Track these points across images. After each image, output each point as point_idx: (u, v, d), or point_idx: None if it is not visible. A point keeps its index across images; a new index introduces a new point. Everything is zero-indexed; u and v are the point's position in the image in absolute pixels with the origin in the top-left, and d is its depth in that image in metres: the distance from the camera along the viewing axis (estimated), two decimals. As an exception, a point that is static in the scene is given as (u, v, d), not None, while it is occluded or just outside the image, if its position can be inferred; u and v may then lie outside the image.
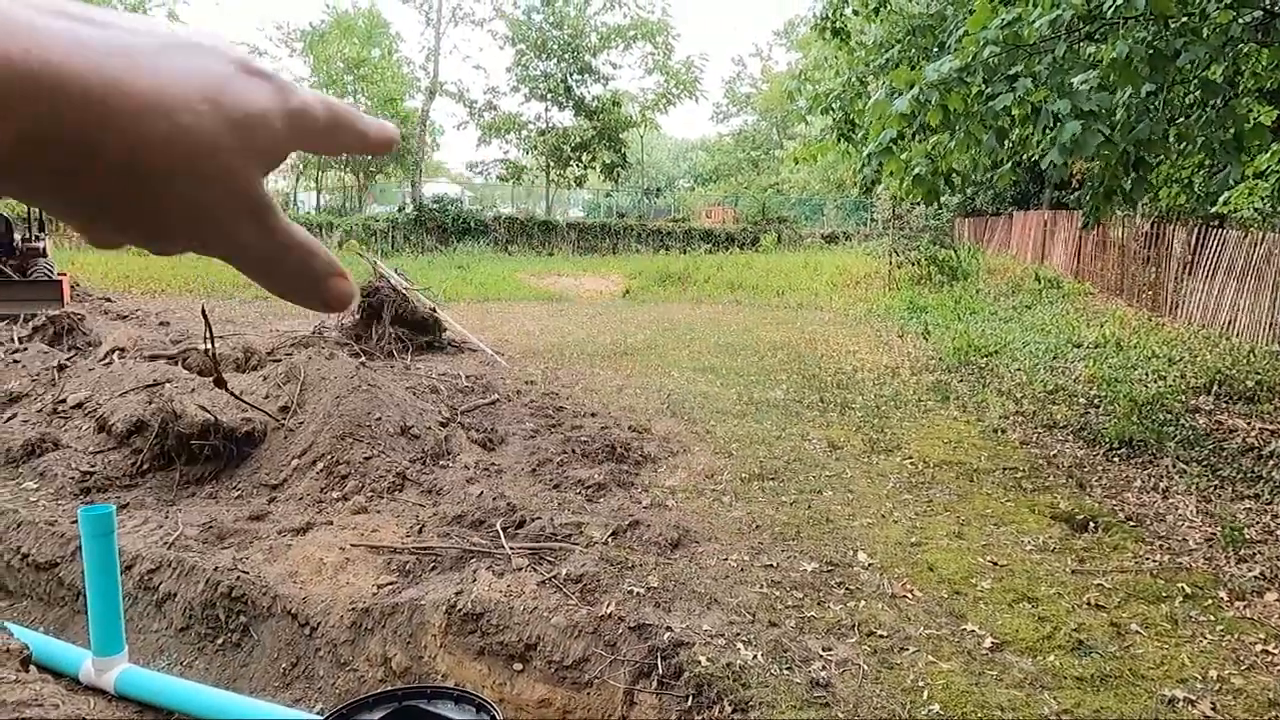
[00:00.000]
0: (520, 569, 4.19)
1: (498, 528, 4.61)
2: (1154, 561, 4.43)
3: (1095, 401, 8.13)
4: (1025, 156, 6.52)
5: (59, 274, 15.24)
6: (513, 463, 6.01)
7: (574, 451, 6.13)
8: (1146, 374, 8.96)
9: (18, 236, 15.27)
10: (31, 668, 3.28)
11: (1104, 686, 3.20)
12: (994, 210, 26.94)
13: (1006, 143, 4.94)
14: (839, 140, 8.46)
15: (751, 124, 59.83)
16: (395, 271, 11.26)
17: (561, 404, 8.04)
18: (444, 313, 11.03)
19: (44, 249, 15.36)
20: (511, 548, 4.40)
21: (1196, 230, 11.85)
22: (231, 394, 5.60)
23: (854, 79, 7.52)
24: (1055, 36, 4.40)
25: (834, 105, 7.70)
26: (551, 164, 34.27)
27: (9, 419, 6.57)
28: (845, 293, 19.34)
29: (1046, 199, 24.50)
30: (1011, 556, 4.46)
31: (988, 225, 26.44)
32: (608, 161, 33.98)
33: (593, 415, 7.64)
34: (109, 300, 16.85)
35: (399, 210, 30.22)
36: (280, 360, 6.95)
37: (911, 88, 4.52)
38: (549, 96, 33.22)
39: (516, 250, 30.34)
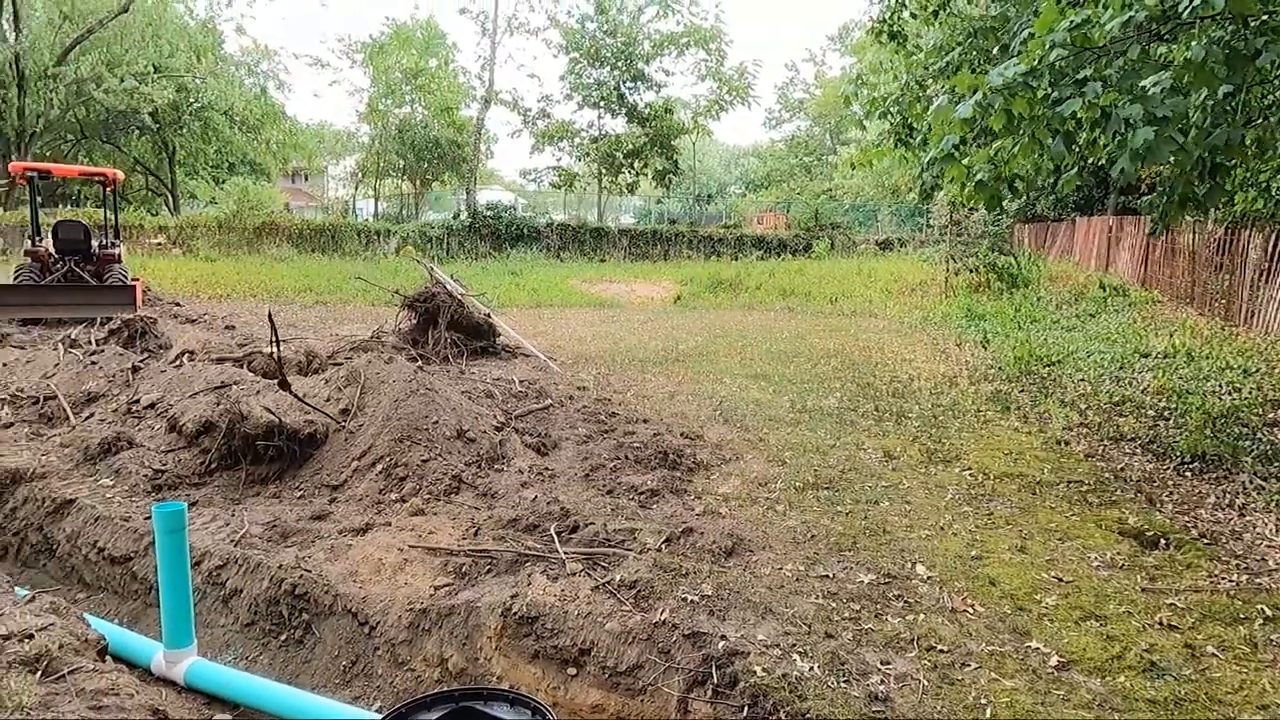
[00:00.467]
0: (574, 574, 4.21)
1: (552, 532, 4.64)
2: (1230, 581, 4.25)
3: (1165, 413, 7.85)
4: (1091, 161, 6.33)
5: (132, 279, 15.85)
6: (566, 468, 6.05)
7: (626, 457, 6.14)
8: (1220, 386, 8.61)
9: (95, 244, 15.92)
10: (108, 658, 3.41)
11: (1178, 710, 3.08)
12: (1056, 216, 26.25)
13: (1075, 147, 4.80)
14: (896, 145, 8.34)
15: (804, 129, 59.41)
16: (451, 277, 11.44)
17: (614, 410, 8.07)
18: (498, 318, 11.16)
19: (119, 255, 15.99)
20: (565, 552, 4.42)
21: (1275, 236, 11.36)
22: (295, 396, 5.75)
23: (912, 83, 7.41)
24: (1127, 38, 4.26)
25: (891, 110, 7.59)
26: (604, 171, 34.49)
27: (87, 418, 6.86)
28: (900, 300, 19.03)
29: (1112, 204, 23.77)
30: (1077, 573, 4.33)
31: (1049, 231, 25.77)
32: (660, 168, 34.08)
33: (645, 421, 7.65)
34: (178, 305, 17.45)
35: (454, 217, 30.76)
36: (341, 364, 7.11)
37: (974, 93, 4.43)
38: (602, 104, 33.49)
39: (568, 256, 30.62)
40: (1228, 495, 5.65)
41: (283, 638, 4.18)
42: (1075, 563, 4.47)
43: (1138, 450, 6.87)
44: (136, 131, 36.80)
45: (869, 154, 7.89)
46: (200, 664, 3.80)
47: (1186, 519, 5.24)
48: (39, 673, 2.93)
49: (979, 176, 4.95)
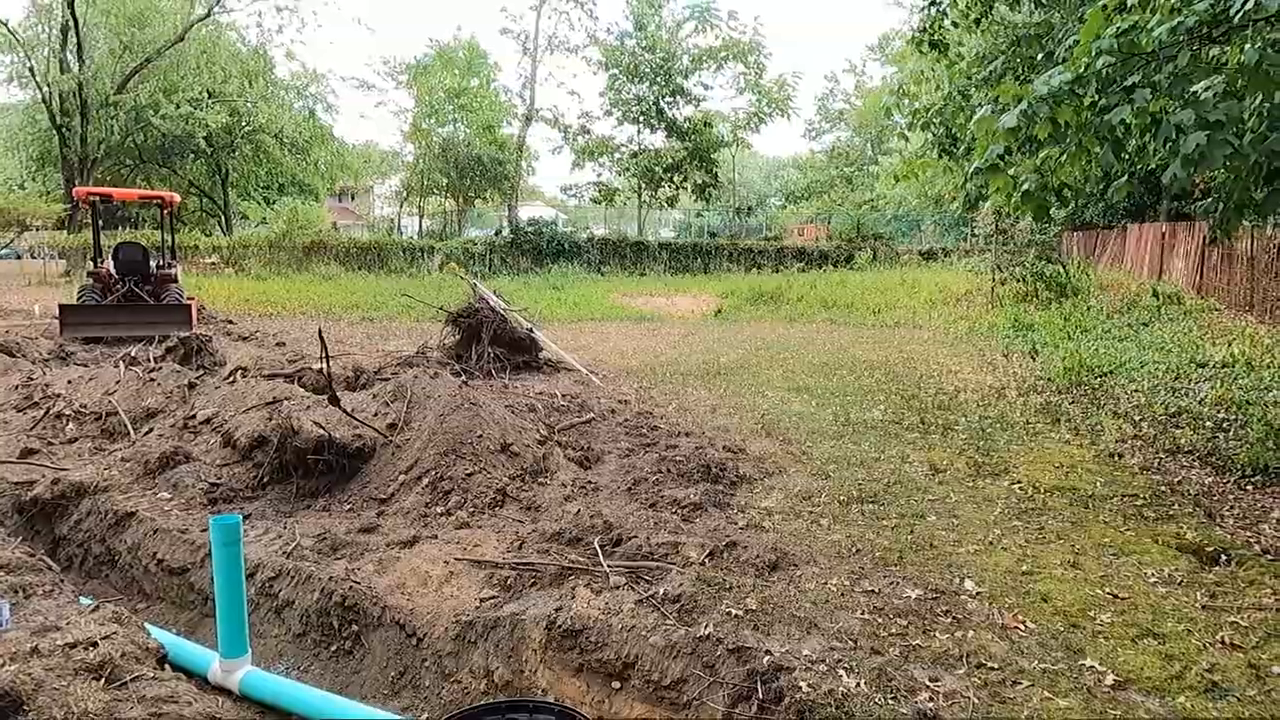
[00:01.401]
0: (618, 587, 4.22)
1: (595, 545, 4.67)
2: (1296, 599, 4.10)
3: (1224, 425, 7.61)
4: (1140, 167, 6.20)
5: (188, 298, 16.37)
6: (609, 481, 6.07)
7: (669, 471, 6.15)
8: (1282, 396, 8.32)
9: (153, 264, 16.47)
10: (167, 666, 3.51)
11: (1242, 733, 2.98)
12: (1106, 223, 25.63)
13: (1124, 154, 4.71)
14: (940, 156, 8.27)
15: (845, 140, 59.06)
16: (494, 293, 11.60)
17: (656, 423, 8.09)
18: (540, 333, 11.27)
19: (175, 275, 16.51)
20: (609, 565, 4.44)
21: (1338, 241, 10.97)
22: (344, 411, 5.88)
23: (955, 93, 7.34)
24: (1176, 43, 4.18)
25: (934, 120, 7.53)
26: (644, 185, 34.68)
27: (146, 433, 7.09)
28: (945, 311, 18.77)
29: (1164, 210, 23.14)
30: (1133, 589, 4.21)
31: (1099, 239, 25.18)
32: (699, 182, 34.17)
33: (687, 435, 7.64)
34: (231, 323, 17.93)
35: (496, 233, 31.17)
36: (388, 379, 7.25)
37: (1019, 102, 4.37)
38: (641, 119, 33.73)
39: (609, 270, 30.80)
40: (1292, 510, 5.45)
41: (333, 648, 4.26)
42: (1131, 579, 4.35)
43: (1195, 463, 6.67)
44: (191, 155, 38.05)
45: (912, 165, 7.83)
46: (254, 673, 3.89)
47: (1249, 534, 5.06)
48: (103, 680, 3.04)
49: (1025, 186, 4.88)
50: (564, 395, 9.30)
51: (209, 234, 34.92)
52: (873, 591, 4.18)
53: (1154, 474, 6.42)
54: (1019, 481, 6.24)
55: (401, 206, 41.46)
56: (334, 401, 5.82)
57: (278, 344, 14.37)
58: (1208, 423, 7.73)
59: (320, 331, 6.38)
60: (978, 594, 4.16)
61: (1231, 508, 5.57)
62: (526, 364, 11.18)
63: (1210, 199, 6.47)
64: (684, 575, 4.25)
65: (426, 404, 6.26)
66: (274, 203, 44.93)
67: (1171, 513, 5.48)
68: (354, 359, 10.09)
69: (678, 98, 33.18)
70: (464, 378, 10.36)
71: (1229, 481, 6.14)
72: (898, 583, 4.29)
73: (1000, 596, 4.12)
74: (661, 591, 4.10)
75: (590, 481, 6.00)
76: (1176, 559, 4.64)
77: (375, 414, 6.26)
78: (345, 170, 40.91)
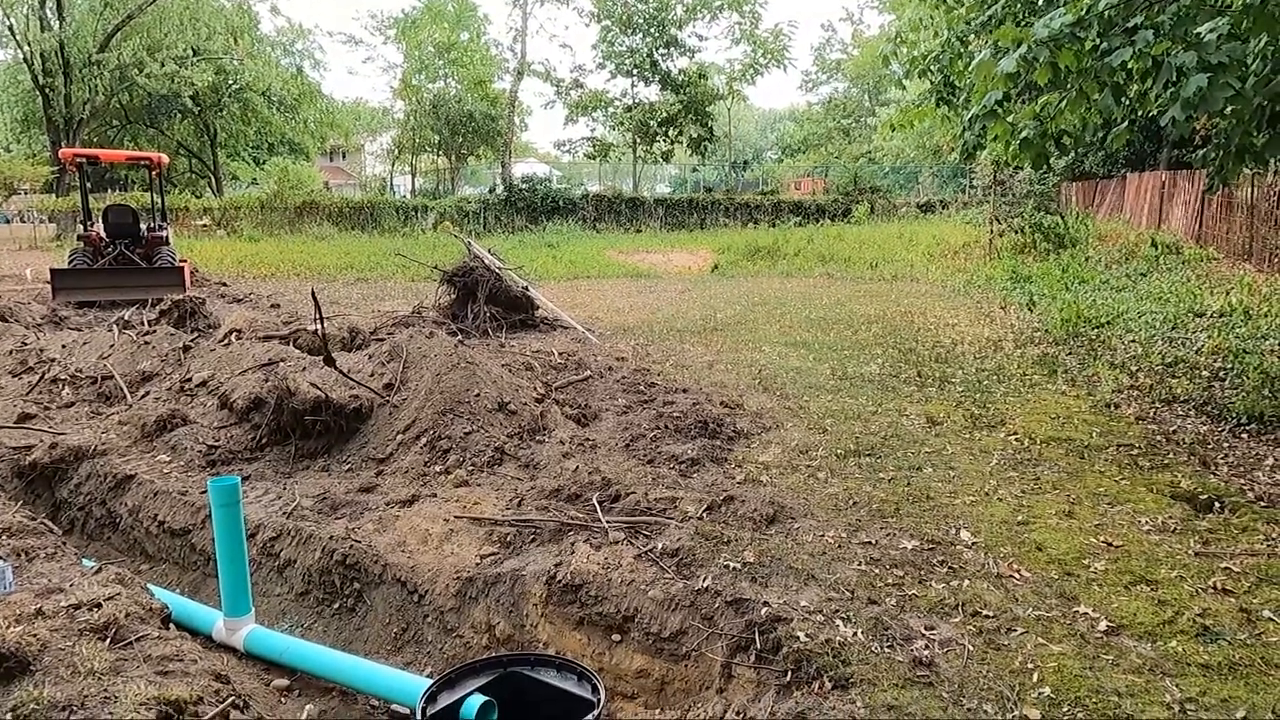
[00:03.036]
0: (617, 542, 4.26)
1: (594, 501, 4.69)
2: (1288, 545, 4.14)
3: (1220, 374, 7.62)
4: (1142, 114, 6.09)
5: (180, 260, 16.25)
6: (606, 438, 6.09)
7: (666, 427, 6.16)
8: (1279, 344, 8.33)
9: (143, 226, 16.31)
10: (171, 626, 3.55)
11: (1232, 675, 3.02)
12: (1105, 173, 25.43)
13: (1124, 100, 4.62)
14: (938, 105, 8.12)
15: (842, 91, 58.14)
16: (489, 251, 11.51)
17: (652, 380, 8.08)
18: (536, 291, 11.21)
19: (166, 237, 16.37)
20: (608, 521, 4.47)
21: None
22: (340, 372, 5.86)
23: (953, 39, 7.19)
24: (1180, -18, 4.08)
25: (932, 68, 7.39)
26: (638, 140, 34.23)
27: (143, 396, 7.08)
28: (943, 263, 18.69)
29: (1164, 159, 22.96)
30: (1127, 537, 4.25)
31: (1098, 189, 24.99)
32: (695, 135, 33.71)
33: (684, 391, 7.65)
34: (224, 285, 17.83)
35: (490, 191, 30.84)
36: (384, 339, 7.22)
37: (1018, 46, 4.28)
38: (635, 72, 33.15)
39: (604, 228, 30.57)
40: (1286, 457, 5.48)
41: (335, 606, 4.30)
42: (1125, 527, 4.39)
43: (1191, 412, 6.70)
44: (179, 115, 37.45)
45: (909, 114, 7.72)
46: (259, 631, 3.94)
47: (1243, 481, 5.10)
48: (108, 640, 3.07)
49: (1024, 134, 4.80)
50: (561, 353, 9.28)
51: (199, 196, 34.51)
52: (869, 543, 4.21)
53: (1150, 423, 6.44)
54: (1015, 433, 6.27)
55: (393, 165, 40.97)
56: (329, 362, 5.81)
57: (272, 306, 14.30)
58: (1204, 372, 7.75)
59: (314, 292, 6.33)
60: (973, 544, 4.20)
61: (1226, 456, 5.61)
62: (523, 322, 11.14)
63: (1210, 147, 6.39)
64: (682, 529, 4.28)
65: (422, 364, 6.25)
66: (264, 163, 44.36)
67: (1166, 462, 5.51)
68: (349, 320, 10.05)
69: (671, 49, 32.58)
70: (460, 337, 10.35)
71: (1224, 430, 6.17)
72: (894, 534, 4.33)
73: (996, 546, 4.16)
74: (660, 546, 4.13)
75: (588, 439, 6.01)
76: (1170, 507, 4.68)
77: (371, 374, 6.25)
78: (335, 128, 40.32)
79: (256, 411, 6.08)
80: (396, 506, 4.82)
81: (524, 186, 30.42)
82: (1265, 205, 13.14)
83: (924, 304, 13.22)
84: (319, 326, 6.42)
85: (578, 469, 5.26)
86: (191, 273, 17.78)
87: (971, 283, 15.41)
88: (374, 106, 44.07)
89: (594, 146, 35.77)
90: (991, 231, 19.01)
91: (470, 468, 5.39)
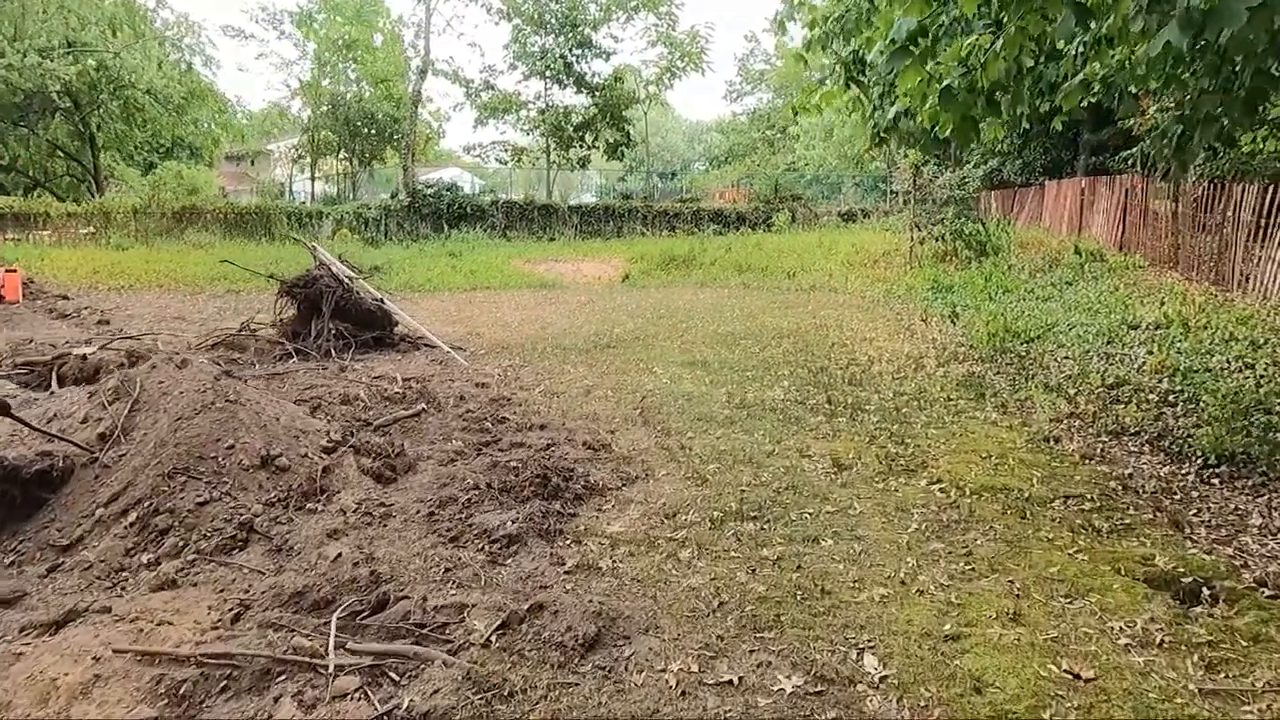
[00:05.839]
0: (344, 695, 2.74)
1: (333, 622, 3.16)
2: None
3: (1169, 398, 6.54)
4: (1103, 77, 4.89)
5: (7, 269, 14.09)
6: (411, 501, 4.55)
7: (491, 485, 4.66)
8: (1228, 361, 7.33)
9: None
10: None
11: None
12: (1023, 180, 25.04)
13: (1084, 39, 3.39)
14: (847, 85, 6.87)
15: (766, 101, 57.80)
16: (339, 259, 9.84)
17: (508, 413, 6.59)
18: (394, 304, 9.58)
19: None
20: (349, 650, 2.96)
21: (1273, 189, 10.12)
22: (17, 420, 4.18)
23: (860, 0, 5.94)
24: None
25: (835, 31, 6.12)
26: (553, 145, 32.68)
27: None
28: (862, 272, 17.70)
29: (1082, 165, 22.62)
30: (1099, 658, 2.95)
31: (1016, 197, 24.56)
32: (611, 141, 32.34)
33: (542, 428, 6.18)
34: (65, 298, 15.62)
35: (391, 197, 28.84)
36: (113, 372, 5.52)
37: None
38: (548, 74, 31.60)
39: (516, 236, 28.91)
40: (1275, 512, 4.31)
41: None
42: (1093, 637, 3.09)
43: (1145, 448, 5.54)
44: (51, 114, 34.22)
45: (812, 92, 6.45)
46: None
47: (1229, 551, 3.89)
48: None
49: (948, 82, 3.51)
50: (407, 379, 7.70)
51: (79, 202, 31.44)
52: (729, 684, 2.80)
53: (1098, 464, 5.25)
54: (939, 480, 4.99)
55: (292, 168, 38.40)
56: (3, 410, 4.12)
57: (100, 322, 12.31)
58: (1151, 395, 6.66)
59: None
60: (882, 680, 2.83)
61: (1199, 512, 4.41)
62: (379, 340, 9.50)
63: (1160, 130, 5.25)
64: (449, 671, 2.80)
65: (161, 404, 4.61)
66: (157, 167, 41.14)
67: (1128, 521, 4.29)
68: (152, 340, 8.26)
69: (586, 51, 31.14)
70: (296, 358, 8.66)
71: (1188, 473, 5.00)
72: (769, 664, 2.93)
73: (914, 685, 2.79)
74: (406, 704, 2.64)
75: (384, 503, 4.46)
76: (1148, 600, 3.41)
77: (84, 420, 4.57)
78: (228, 130, 37.48)
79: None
80: (34, 633, 3.19)
81: (429, 192, 28.46)
82: (1187, 211, 12.46)
83: (841, 316, 12.06)
84: (85, 350, 4.75)
85: (341, 556, 3.72)
86: (26, 283, 15.55)
87: (891, 293, 14.38)
88: (270, 107, 41.24)
89: (507, 152, 34.08)
90: (912, 239, 18.13)
91: (193, 555, 3.79)
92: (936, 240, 17.59)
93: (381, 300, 9.44)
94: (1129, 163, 17.97)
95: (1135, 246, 14.68)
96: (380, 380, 7.65)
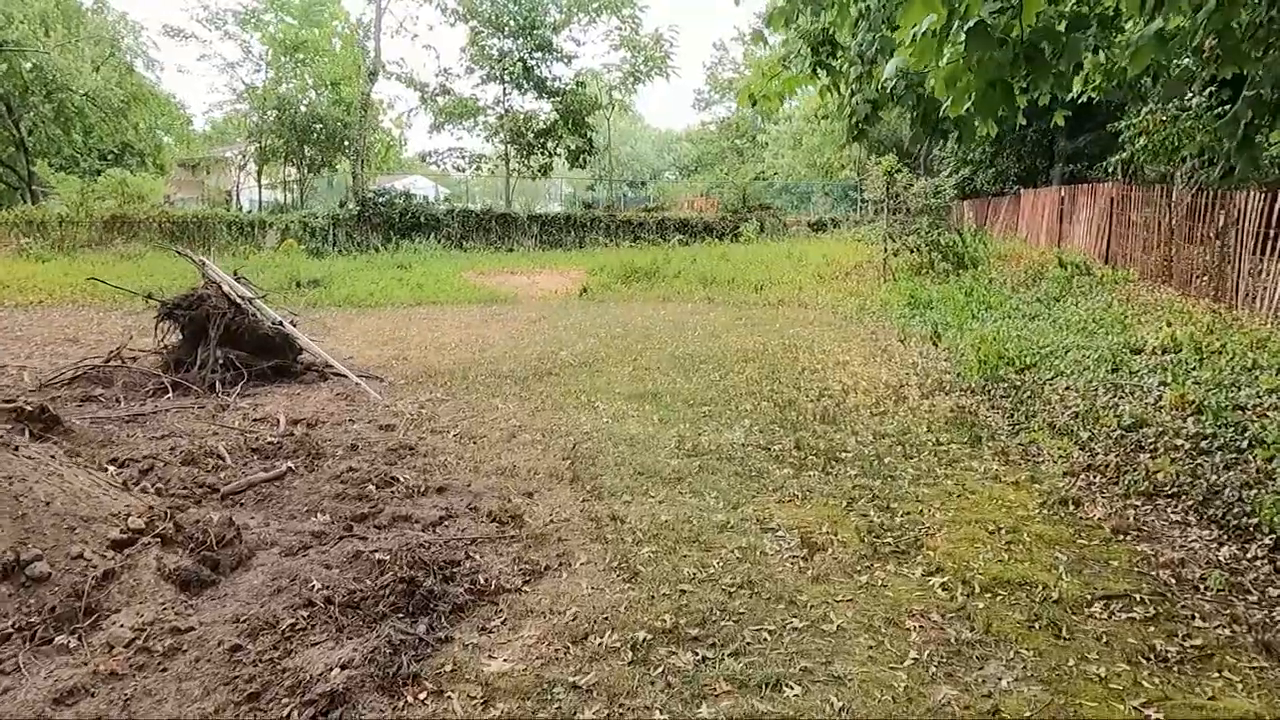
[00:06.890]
0: None
1: None
2: None
3: (1203, 444, 5.45)
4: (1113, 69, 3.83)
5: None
6: (219, 622, 3.28)
7: (333, 601, 3.40)
8: (1259, 396, 6.28)
9: None
10: None
11: None
12: (996, 190, 24.28)
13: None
14: (814, 71, 5.75)
15: (735, 111, 57.12)
16: (235, 276, 8.50)
17: (405, 470, 5.34)
18: (294, 329, 8.27)
19: None
20: None
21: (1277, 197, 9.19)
22: None
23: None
24: None
25: (801, 6, 5.01)
26: (513, 152, 31.40)
27: None
28: (834, 285, 16.66)
29: (1057, 174, 21.89)
30: None
31: (990, 207, 23.76)
32: (573, 147, 31.13)
33: (440, 490, 4.95)
34: (-43, 316, 14.06)
35: (340, 205, 27.35)
36: None
37: None
38: (508, 78, 30.34)
39: (472, 246, 27.56)
40: (1395, 628, 3.20)
41: None
42: None
43: (1189, 515, 4.44)
44: (-19, 117, 32.27)
45: (771, 76, 5.32)
46: None
47: (1355, 699, 2.76)
48: None
49: (978, 18, 2.37)
50: (295, 422, 6.42)
51: (10, 211, 29.54)
52: None
53: (1138, 541, 4.13)
54: (939, 568, 3.84)
55: (238, 175, 36.67)
56: None
57: (-22, 345, 10.82)
58: (1179, 441, 5.57)
59: None
60: None
61: (1291, 623, 3.29)
62: (281, 370, 8.18)
63: (1220, 125, 4.15)
64: None
65: None
66: (100, 174, 39.18)
67: (1199, 641, 3.15)
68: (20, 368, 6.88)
69: (546, 54, 29.95)
70: (172, 393, 7.32)
71: (1257, 558, 3.89)
72: None
73: None
74: None
75: (178, 628, 3.19)
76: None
77: None
78: (170, 134, 35.69)
79: None
80: None
81: (380, 200, 27.03)
82: (1180, 220, 11.56)
83: (811, 334, 10.95)
84: None
85: (61, 744, 2.45)
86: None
87: (865, 308, 13.31)
88: (213, 111, 39.52)
89: (465, 159, 32.73)
90: (885, 250, 17.13)
91: None
92: (911, 251, 16.62)
93: (281, 324, 8.12)
94: (1109, 170, 17.17)
95: (1122, 259, 13.78)
96: (260, 424, 6.35)
